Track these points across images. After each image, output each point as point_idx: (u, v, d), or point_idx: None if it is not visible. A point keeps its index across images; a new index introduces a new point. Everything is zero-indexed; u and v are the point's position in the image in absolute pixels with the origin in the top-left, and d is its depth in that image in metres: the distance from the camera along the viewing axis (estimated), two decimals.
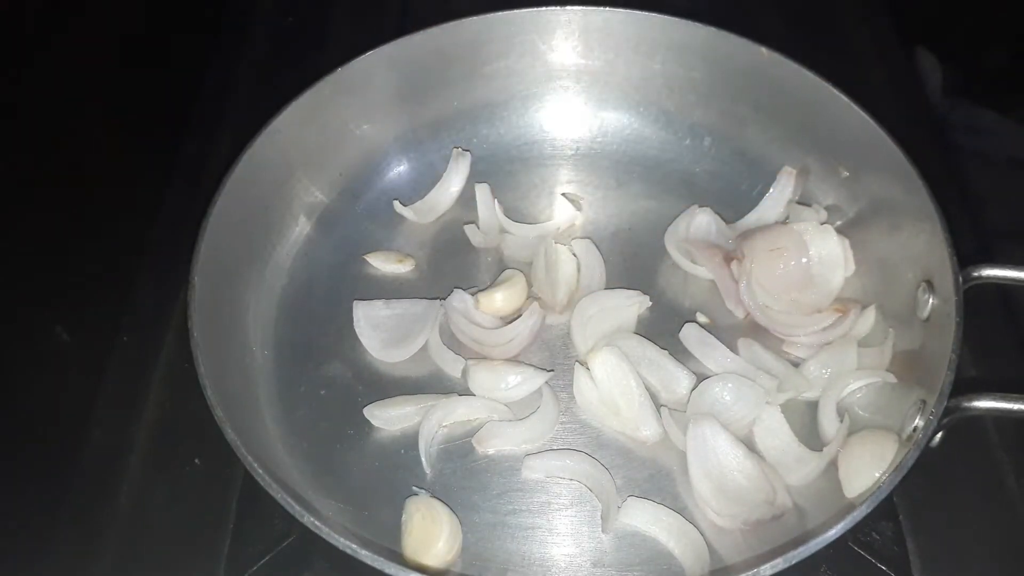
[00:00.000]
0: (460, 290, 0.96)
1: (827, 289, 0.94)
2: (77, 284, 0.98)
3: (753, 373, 0.88)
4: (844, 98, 0.94)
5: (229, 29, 1.34)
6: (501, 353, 0.92)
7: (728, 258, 0.96)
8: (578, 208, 1.04)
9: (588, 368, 0.88)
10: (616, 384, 0.87)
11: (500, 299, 0.95)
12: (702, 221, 1.00)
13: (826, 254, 0.93)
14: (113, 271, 1.03)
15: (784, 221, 0.99)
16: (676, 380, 0.89)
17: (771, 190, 1.01)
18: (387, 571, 0.66)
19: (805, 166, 1.01)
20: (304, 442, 0.88)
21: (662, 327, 0.95)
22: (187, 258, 0.84)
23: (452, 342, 0.94)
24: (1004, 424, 0.90)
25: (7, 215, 0.95)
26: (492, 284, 0.98)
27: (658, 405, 0.88)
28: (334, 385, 0.92)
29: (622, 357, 0.88)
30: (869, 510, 0.69)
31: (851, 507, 0.70)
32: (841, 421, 0.84)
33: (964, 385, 0.74)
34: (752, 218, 1.01)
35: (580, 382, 0.89)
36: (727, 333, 0.93)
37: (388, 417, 0.88)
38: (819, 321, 0.92)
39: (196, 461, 0.90)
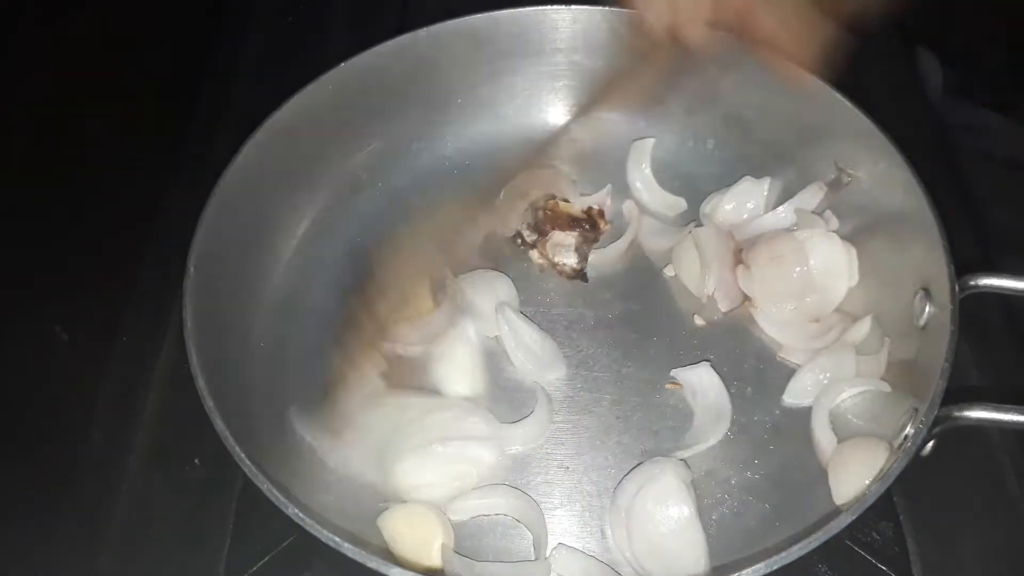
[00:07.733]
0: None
1: (830, 298, 0.93)
2: (77, 284, 0.98)
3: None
4: (848, 103, 0.93)
5: (229, 28, 1.33)
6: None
7: (736, 256, 0.95)
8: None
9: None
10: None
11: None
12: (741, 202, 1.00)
13: (830, 263, 0.92)
14: (113, 271, 1.03)
15: (792, 228, 0.98)
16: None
17: (793, 199, 0.99)
18: (387, 572, 0.66)
19: (837, 179, 0.98)
20: (303, 441, 0.87)
21: (662, 327, 0.95)
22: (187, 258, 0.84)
23: None
24: None
25: (7, 214, 0.94)
26: None
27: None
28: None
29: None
30: (853, 518, 0.68)
31: (837, 513, 0.70)
32: (833, 429, 0.83)
33: (962, 394, 0.74)
34: (758, 224, 0.99)
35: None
36: (726, 333, 0.93)
37: None
38: (820, 329, 0.91)
39: (196, 461, 0.90)
